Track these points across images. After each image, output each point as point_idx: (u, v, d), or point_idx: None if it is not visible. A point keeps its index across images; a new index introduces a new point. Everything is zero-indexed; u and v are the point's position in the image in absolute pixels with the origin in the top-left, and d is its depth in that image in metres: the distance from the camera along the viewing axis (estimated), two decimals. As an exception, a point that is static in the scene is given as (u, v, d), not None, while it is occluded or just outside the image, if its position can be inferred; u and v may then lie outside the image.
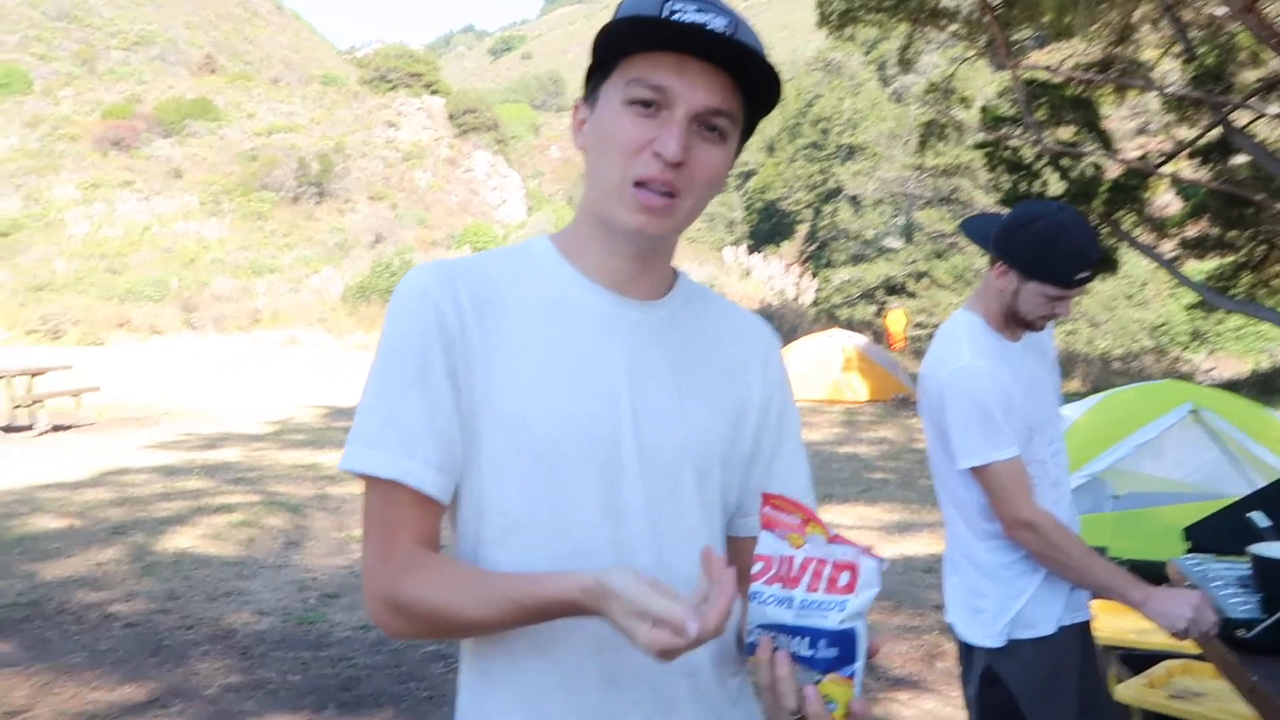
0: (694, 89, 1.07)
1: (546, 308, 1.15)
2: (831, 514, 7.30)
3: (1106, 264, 13.80)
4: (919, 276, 28.57)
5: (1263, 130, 13.35)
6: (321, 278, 28.80)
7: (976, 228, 2.41)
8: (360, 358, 20.30)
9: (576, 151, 1.20)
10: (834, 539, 0.97)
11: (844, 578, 0.95)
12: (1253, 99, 12.15)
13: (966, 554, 2.20)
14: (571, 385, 1.12)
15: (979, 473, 2.10)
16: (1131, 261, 20.98)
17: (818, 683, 0.95)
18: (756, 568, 1.01)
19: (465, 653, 1.18)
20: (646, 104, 1.08)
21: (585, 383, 1.13)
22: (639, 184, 1.09)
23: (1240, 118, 12.62)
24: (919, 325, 24.46)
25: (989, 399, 2.08)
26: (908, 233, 31.70)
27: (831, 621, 0.94)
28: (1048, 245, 2.08)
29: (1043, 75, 13.60)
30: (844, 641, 0.94)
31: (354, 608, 5.34)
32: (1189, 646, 2.11)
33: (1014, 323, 2.19)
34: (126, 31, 54.96)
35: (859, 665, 0.94)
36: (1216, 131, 12.93)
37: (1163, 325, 24.27)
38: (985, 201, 25.17)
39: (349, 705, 4.08)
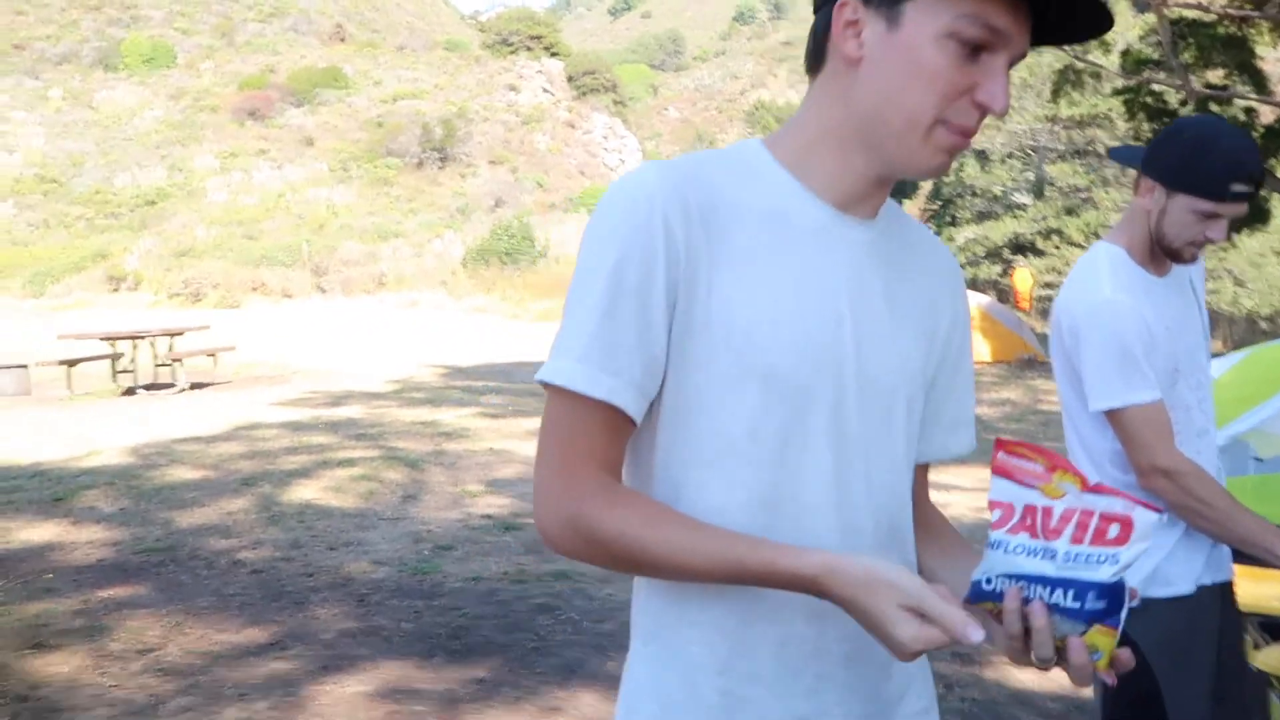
0: (1022, 33, 1.00)
1: (768, 219, 1.07)
2: (951, 476, 7.06)
3: (1257, 215, 12.93)
4: (1049, 234, 27.28)
5: None
6: (443, 241, 29.41)
7: (1125, 152, 2.20)
8: (479, 320, 20.68)
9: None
10: (1092, 488, 0.94)
11: (1113, 530, 0.92)
12: None
13: (1096, 508, 2.03)
14: (799, 305, 1.06)
15: (1114, 416, 1.92)
16: (1285, 214, 19.61)
17: (1083, 634, 0.92)
18: (994, 515, 0.97)
19: (646, 584, 1.13)
20: (973, 43, 0.99)
21: (812, 304, 1.06)
22: (941, 122, 1.01)
23: None
24: (1048, 285, 23.43)
25: (1130, 337, 1.89)
26: (1038, 188, 30.29)
27: (1103, 574, 0.92)
28: (1199, 151, 1.87)
29: (1191, 14, 12.70)
30: (1113, 593, 0.92)
31: (466, 560, 5.42)
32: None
33: (1160, 252, 1.98)
34: (262, 3, 56.81)
35: (1124, 614, 0.92)
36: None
37: (1319, 283, 22.66)
38: (1124, 153, 23.83)
39: (458, 653, 4.13)
